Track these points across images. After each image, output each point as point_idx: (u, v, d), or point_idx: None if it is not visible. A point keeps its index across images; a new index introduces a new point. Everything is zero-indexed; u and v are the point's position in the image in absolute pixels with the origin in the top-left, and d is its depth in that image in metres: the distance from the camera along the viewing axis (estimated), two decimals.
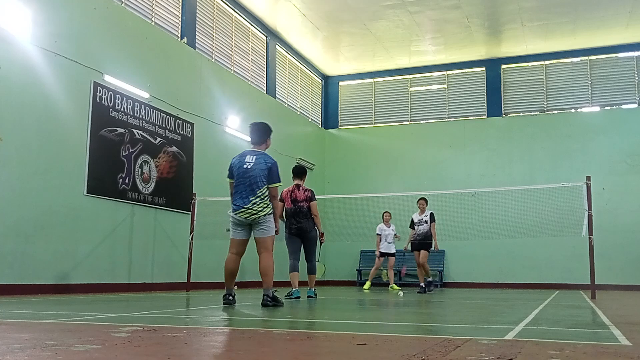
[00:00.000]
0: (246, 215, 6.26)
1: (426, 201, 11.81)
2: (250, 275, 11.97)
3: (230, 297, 6.36)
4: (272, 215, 6.39)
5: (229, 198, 6.53)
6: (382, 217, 13.38)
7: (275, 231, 6.53)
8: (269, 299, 6.29)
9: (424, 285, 11.44)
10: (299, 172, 8.83)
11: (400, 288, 13.15)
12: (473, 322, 4.87)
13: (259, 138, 6.64)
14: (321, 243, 9.14)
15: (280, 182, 6.47)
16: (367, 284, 13.42)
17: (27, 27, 8.48)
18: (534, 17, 14.73)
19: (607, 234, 14.06)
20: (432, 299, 9.06)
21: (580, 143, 16.30)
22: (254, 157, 6.41)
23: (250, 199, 6.25)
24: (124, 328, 3.77)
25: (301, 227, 8.54)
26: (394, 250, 13.27)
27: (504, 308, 6.86)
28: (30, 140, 8.45)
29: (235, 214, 6.31)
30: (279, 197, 6.78)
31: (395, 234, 13.26)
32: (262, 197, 6.29)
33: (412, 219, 11.80)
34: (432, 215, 11.56)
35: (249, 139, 15.38)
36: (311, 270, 8.88)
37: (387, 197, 15.52)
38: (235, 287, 12.39)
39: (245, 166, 6.35)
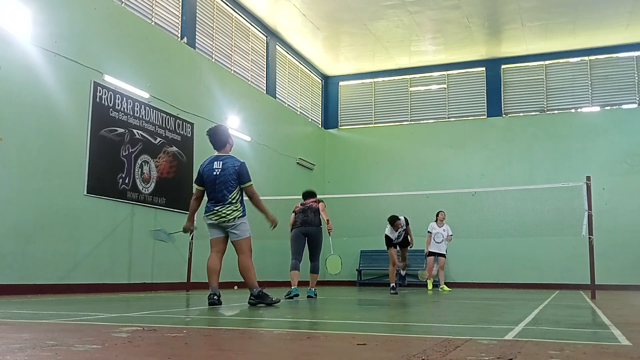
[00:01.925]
0: (216, 218, 6.32)
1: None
2: None
3: (216, 297, 6.31)
4: (243, 218, 6.36)
5: None
6: (436, 216, 13.06)
7: (274, 224, 6.65)
8: (252, 297, 6.39)
9: (403, 274, 12.18)
10: (308, 195, 9.21)
11: (450, 289, 13.01)
12: (473, 322, 4.87)
13: (220, 141, 6.62)
14: (329, 232, 9.18)
15: (250, 180, 6.42)
16: (430, 284, 13.16)
17: (27, 27, 8.48)
18: (534, 17, 14.72)
19: (607, 234, 14.05)
20: (432, 299, 9.06)
21: (580, 143, 16.30)
22: (221, 162, 6.42)
23: (220, 204, 6.29)
24: (124, 328, 3.77)
25: (307, 219, 8.72)
26: (444, 251, 13.00)
27: (504, 308, 6.86)
28: (30, 140, 8.45)
29: (207, 215, 6.40)
30: (258, 194, 6.63)
31: (449, 235, 12.98)
32: (232, 201, 6.30)
33: (390, 237, 11.34)
34: (406, 220, 11.41)
35: (249, 138, 15.42)
36: (313, 270, 8.90)
37: (387, 197, 15.52)
38: (235, 287, 12.43)
39: (214, 173, 6.37)
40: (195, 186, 6.63)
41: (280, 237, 9.06)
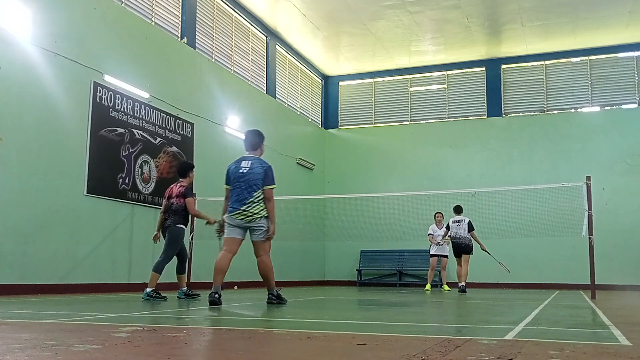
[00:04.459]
0: (242, 217, 6.37)
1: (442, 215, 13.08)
2: (249, 276, 11.96)
3: (217, 296, 6.29)
4: (267, 218, 6.47)
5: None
6: (434, 218, 13.11)
7: (268, 236, 6.48)
8: (273, 297, 6.50)
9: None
10: (180, 171, 8.33)
11: (450, 289, 12.98)
12: (473, 322, 4.87)
13: (254, 143, 6.78)
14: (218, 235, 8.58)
15: (274, 184, 6.57)
16: (428, 286, 13.23)
17: (27, 27, 8.48)
18: (534, 17, 14.72)
19: (607, 234, 14.04)
20: (432, 299, 9.07)
21: (580, 143, 16.30)
22: (250, 162, 6.57)
23: (246, 202, 6.36)
24: (124, 328, 3.77)
25: (164, 224, 7.89)
26: (446, 252, 12.98)
27: (504, 308, 6.85)
28: (30, 140, 8.45)
29: (231, 215, 6.41)
30: (272, 199, 6.67)
31: (448, 236, 13.04)
32: (256, 200, 6.40)
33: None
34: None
35: None
36: (158, 269, 7.96)
37: (387, 197, 15.52)
38: (235, 287, 12.43)
39: (241, 171, 6.50)
40: (225, 187, 6.67)
41: (283, 238, 9.02)
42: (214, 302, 6.26)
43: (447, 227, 12.28)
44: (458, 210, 12.31)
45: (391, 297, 9.74)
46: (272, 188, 6.53)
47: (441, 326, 4.56)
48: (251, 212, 6.35)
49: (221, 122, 13.30)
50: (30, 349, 2.76)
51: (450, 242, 12.27)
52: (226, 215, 6.51)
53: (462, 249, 12.00)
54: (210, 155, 12.73)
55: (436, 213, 13.09)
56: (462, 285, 11.74)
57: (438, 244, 12.86)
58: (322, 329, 4.15)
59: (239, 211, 6.35)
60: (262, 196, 6.44)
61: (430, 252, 13.15)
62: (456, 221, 12.11)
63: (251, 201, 6.36)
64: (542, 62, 17.15)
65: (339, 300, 8.63)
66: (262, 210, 6.41)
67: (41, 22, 8.73)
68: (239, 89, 14.26)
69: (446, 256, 13.06)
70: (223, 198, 11.13)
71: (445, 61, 17.73)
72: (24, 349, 2.74)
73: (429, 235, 13.09)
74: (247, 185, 6.40)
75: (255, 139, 6.81)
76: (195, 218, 11.24)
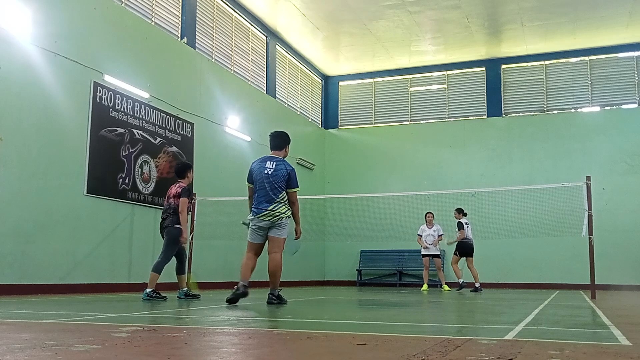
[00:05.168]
0: (269, 218, 6.46)
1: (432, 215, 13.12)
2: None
3: (245, 288, 6.38)
4: (290, 218, 6.60)
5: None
6: (425, 218, 13.06)
7: (297, 237, 6.75)
8: (274, 297, 6.53)
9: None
10: (177, 172, 8.25)
11: (450, 289, 12.99)
12: (473, 322, 4.88)
13: (279, 145, 6.81)
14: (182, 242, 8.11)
15: (298, 187, 6.67)
16: (425, 286, 13.26)
17: (27, 27, 8.48)
18: (534, 17, 14.72)
19: (607, 234, 14.05)
20: (431, 299, 9.07)
21: (580, 143, 16.30)
22: (274, 163, 6.60)
23: (273, 203, 6.46)
24: (124, 328, 3.77)
25: (163, 224, 7.84)
26: (437, 252, 13.00)
27: (504, 308, 6.86)
28: (30, 140, 8.45)
29: (258, 217, 6.48)
30: (297, 202, 6.81)
31: (439, 235, 12.95)
32: (282, 200, 6.52)
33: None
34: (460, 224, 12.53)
35: (249, 138, 15.43)
36: (157, 269, 7.89)
37: (387, 197, 15.53)
38: (235, 288, 12.40)
39: (266, 172, 6.54)
40: (248, 184, 6.74)
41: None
42: (244, 293, 6.39)
43: (461, 227, 12.35)
44: (464, 212, 12.61)
45: (391, 297, 9.74)
46: (296, 191, 6.63)
47: (441, 326, 4.56)
48: (278, 212, 6.46)
49: (221, 122, 13.30)
50: (30, 349, 2.76)
51: (459, 242, 12.40)
52: (251, 216, 6.57)
53: (471, 250, 12.39)
54: (210, 155, 12.73)
55: (427, 213, 13.06)
56: (478, 286, 12.27)
57: (427, 247, 12.86)
58: (322, 329, 4.15)
59: (266, 212, 6.44)
60: (286, 197, 6.56)
61: (422, 253, 13.17)
62: (467, 223, 12.51)
63: (278, 201, 6.48)
64: (542, 62, 17.15)
65: (339, 300, 8.63)
66: (287, 210, 6.55)
67: (41, 22, 8.73)
68: (239, 89, 14.26)
69: (438, 256, 13.10)
70: (222, 198, 11.25)
71: (445, 61, 17.73)
72: (24, 349, 2.74)
73: (418, 235, 13.08)
74: (271, 187, 6.48)
75: (281, 141, 6.84)
76: (194, 218, 11.26)
